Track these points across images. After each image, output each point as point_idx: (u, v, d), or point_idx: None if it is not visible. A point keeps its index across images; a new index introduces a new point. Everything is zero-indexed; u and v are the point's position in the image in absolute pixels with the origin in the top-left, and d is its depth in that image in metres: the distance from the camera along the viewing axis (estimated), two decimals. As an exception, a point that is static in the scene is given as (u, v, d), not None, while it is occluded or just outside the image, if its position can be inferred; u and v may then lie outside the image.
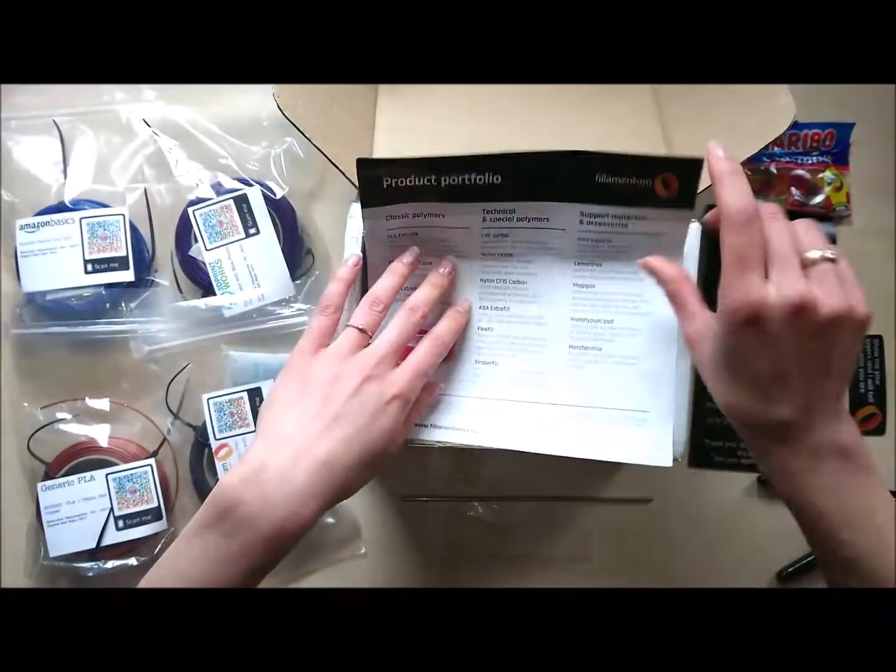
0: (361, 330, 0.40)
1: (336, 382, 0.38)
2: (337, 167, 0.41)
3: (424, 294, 0.42)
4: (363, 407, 0.37)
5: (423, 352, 0.41)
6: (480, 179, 0.40)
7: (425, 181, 0.40)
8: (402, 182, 0.40)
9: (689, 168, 0.39)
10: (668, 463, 0.43)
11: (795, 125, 0.59)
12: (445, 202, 0.41)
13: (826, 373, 0.33)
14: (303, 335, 0.40)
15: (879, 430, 0.60)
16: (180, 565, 0.35)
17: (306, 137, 0.39)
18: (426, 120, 0.48)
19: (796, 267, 0.33)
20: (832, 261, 0.33)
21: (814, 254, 0.33)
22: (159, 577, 0.36)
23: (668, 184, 0.40)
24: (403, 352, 0.41)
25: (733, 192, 0.33)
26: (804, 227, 0.35)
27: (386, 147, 0.44)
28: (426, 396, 0.43)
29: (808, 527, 0.35)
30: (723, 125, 0.45)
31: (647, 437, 0.44)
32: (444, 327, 0.42)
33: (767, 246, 0.33)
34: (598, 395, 0.44)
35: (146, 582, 0.36)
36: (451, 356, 0.45)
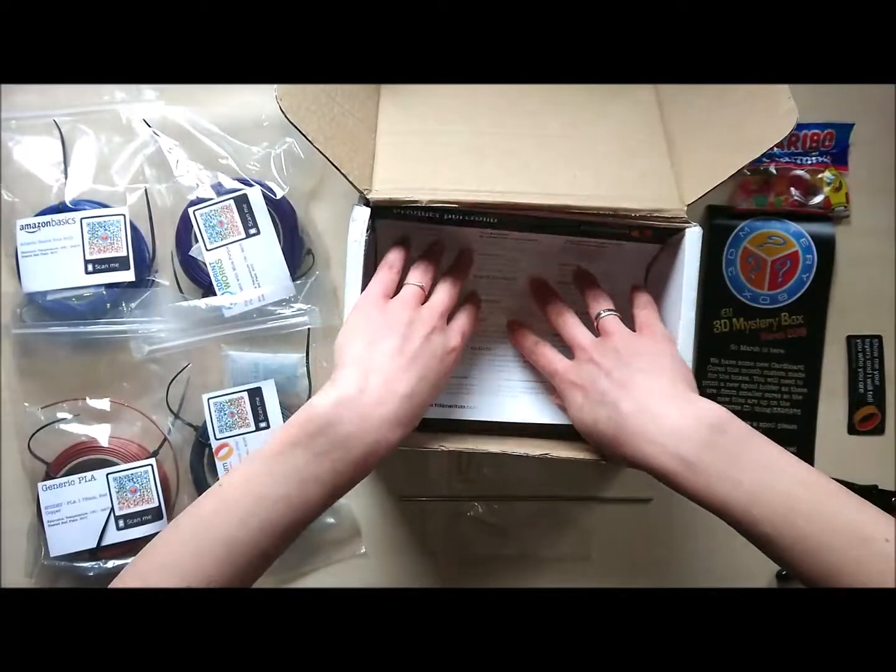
0: (421, 287, 0.45)
1: (412, 326, 0.41)
2: (339, 170, 0.42)
3: (460, 266, 0.49)
4: (434, 352, 0.42)
5: (467, 315, 0.47)
6: (478, 218, 0.46)
7: (429, 214, 0.46)
8: (407, 213, 0.45)
9: (664, 230, 0.46)
10: None
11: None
12: (444, 225, 0.48)
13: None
14: (370, 284, 0.44)
15: (879, 430, 0.60)
16: (256, 488, 0.36)
17: (309, 141, 0.39)
18: (428, 123, 0.49)
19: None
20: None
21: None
22: (231, 499, 0.36)
23: (643, 232, 0.48)
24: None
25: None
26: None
27: (388, 151, 0.46)
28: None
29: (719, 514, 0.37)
30: (725, 126, 0.46)
31: None
32: (474, 302, 0.49)
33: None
34: None
35: (210, 501, 0.36)
36: None
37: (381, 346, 0.40)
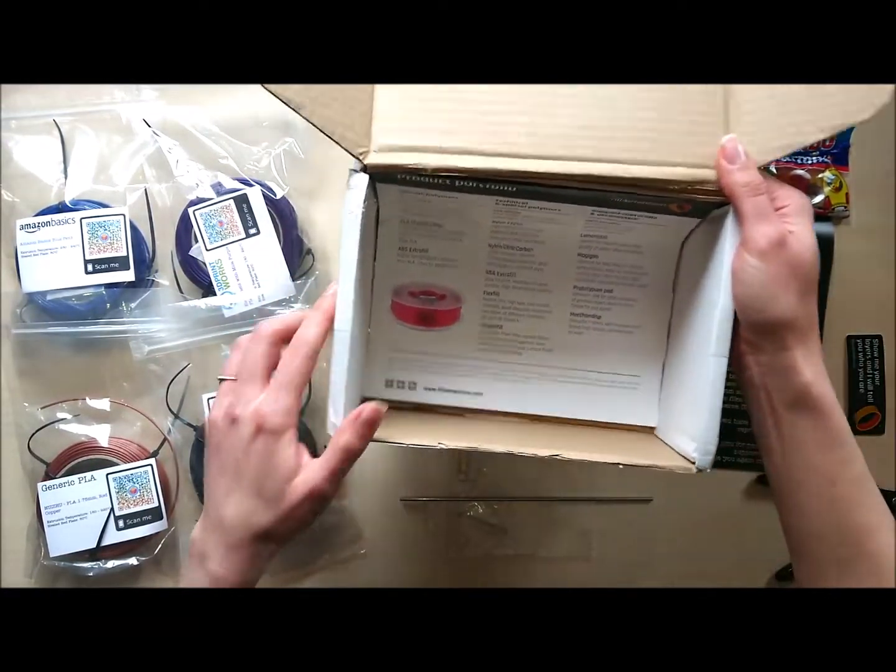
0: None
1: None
2: (329, 136, 0.36)
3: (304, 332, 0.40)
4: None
5: (284, 365, 0.39)
6: (494, 187, 0.40)
7: (438, 180, 0.39)
8: (415, 178, 0.39)
9: (706, 204, 0.39)
10: (653, 423, 0.48)
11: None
12: (458, 192, 0.41)
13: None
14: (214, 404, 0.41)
15: (879, 430, 0.60)
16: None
17: (289, 107, 0.35)
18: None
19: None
20: None
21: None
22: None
23: (682, 207, 0.41)
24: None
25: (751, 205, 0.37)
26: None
27: (390, 103, 0.39)
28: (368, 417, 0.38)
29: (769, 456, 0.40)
30: (802, 87, 0.38)
31: (637, 400, 0.48)
32: (303, 329, 0.40)
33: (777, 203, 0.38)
34: (595, 359, 0.48)
35: None
36: (457, 318, 0.48)
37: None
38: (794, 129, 0.38)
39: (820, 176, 0.58)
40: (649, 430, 0.48)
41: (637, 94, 0.38)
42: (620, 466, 0.39)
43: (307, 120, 0.36)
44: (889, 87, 0.36)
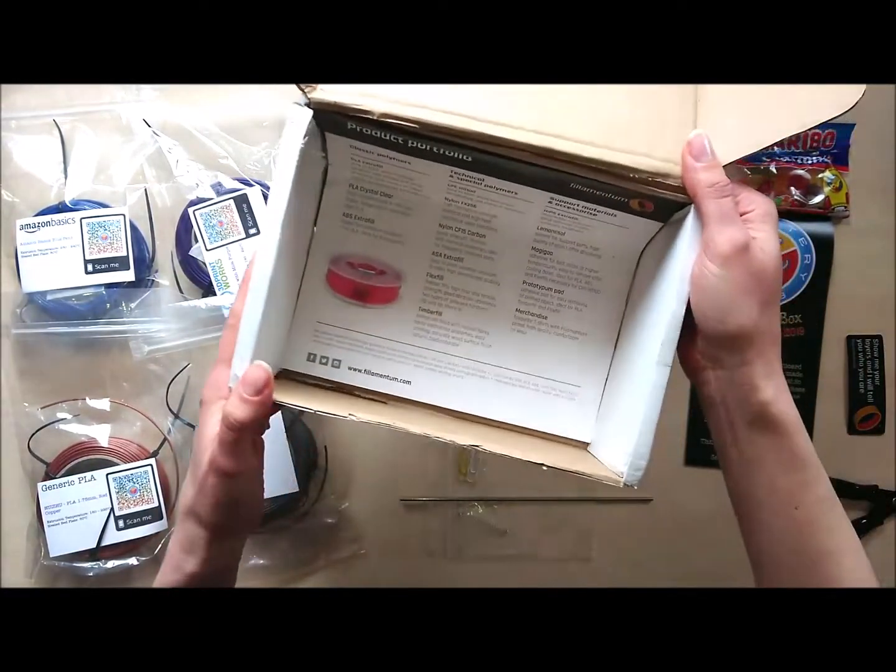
0: None
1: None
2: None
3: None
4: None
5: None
6: (449, 152, 0.37)
7: (390, 137, 0.37)
8: (366, 130, 0.37)
9: (668, 203, 0.38)
10: (588, 439, 0.45)
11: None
12: (411, 156, 0.39)
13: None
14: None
15: (879, 430, 0.60)
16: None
17: None
18: None
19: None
20: None
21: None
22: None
23: (643, 204, 0.39)
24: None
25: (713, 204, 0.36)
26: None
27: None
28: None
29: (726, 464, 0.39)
30: (773, 96, 0.37)
31: (574, 411, 0.45)
32: (234, 302, 0.39)
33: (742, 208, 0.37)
34: (535, 362, 0.45)
35: None
36: (394, 297, 0.44)
37: None
38: (764, 126, 0.36)
39: (820, 176, 0.58)
40: (583, 446, 0.45)
41: (607, 90, 0.37)
42: (544, 468, 0.37)
43: None
44: (860, 87, 0.35)
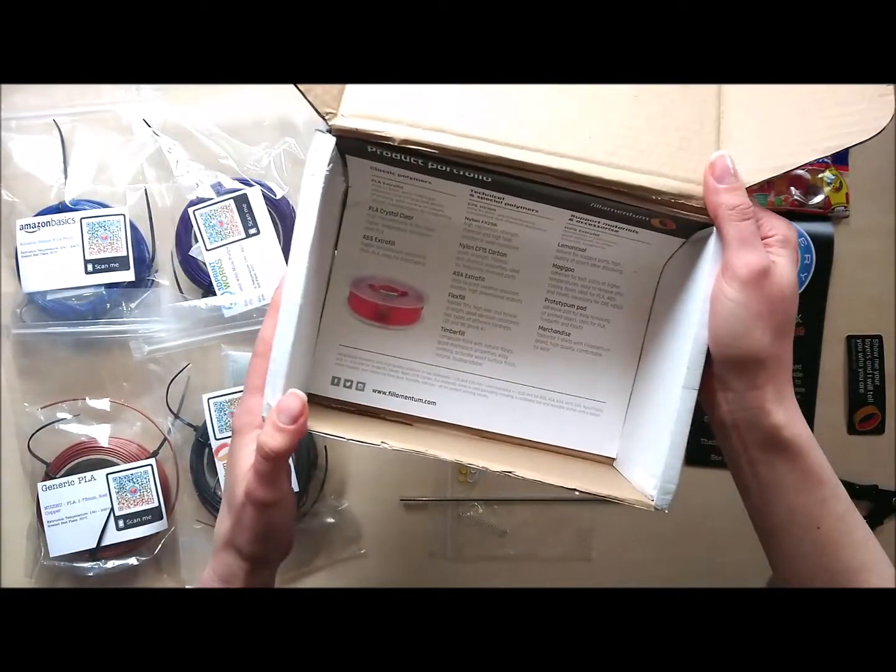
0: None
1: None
2: (296, 86, 0.35)
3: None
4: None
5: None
6: (469, 174, 0.37)
7: (410, 159, 0.37)
8: (386, 154, 0.37)
9: (691, 223, 0.37)
10: (613, 454, 0.45)
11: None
12: (431, 176, 0.39)
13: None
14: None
15: (879, 430, 0.60)
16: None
17: None
18: None
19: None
20: None
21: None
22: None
23: (664, 223, 0.39)
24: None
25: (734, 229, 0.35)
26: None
27: (365, 85, 0.37)
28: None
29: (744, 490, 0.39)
30: (797, 107, 0.37)
31: (599, 427, 0.45)
32: (262, 328, 0.38)
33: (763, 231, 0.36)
34: (559, 379, 0.45)
35: None
36: (416, 318, 0.44)
37: None
38: (787, 150, 0.36)
39: (820, 176, 0.58)
40: (608, 461, 0.45)
41: (628, 105, 0.37)
42: (577, 493, 0.37)
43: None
44: (891, 107, 0.34)
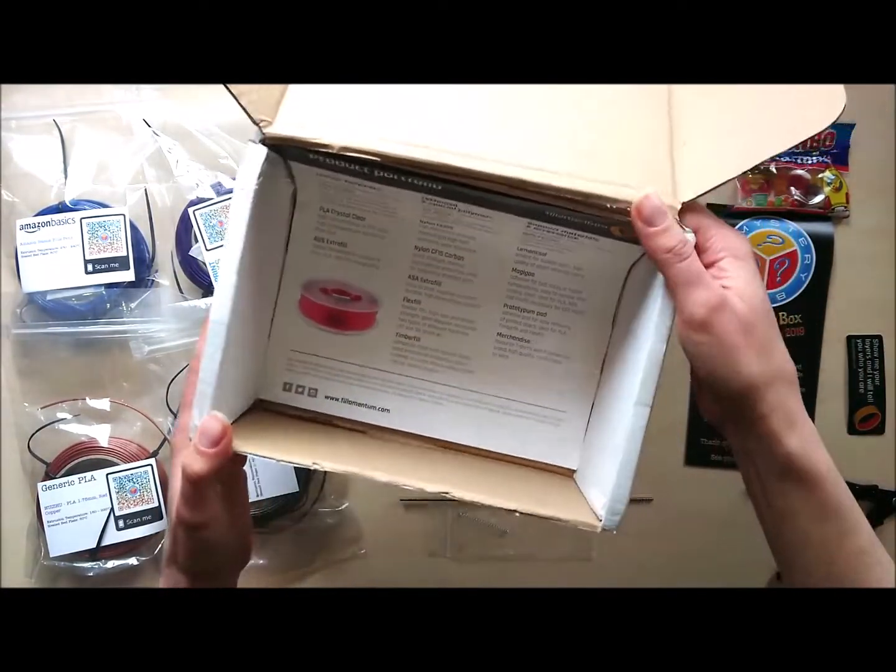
0: None
1: None
2: (230, 91, 0.33)
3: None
4: None
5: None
6: (417, 181, 0.36)
7: (354, 167, 0.35)
8: (329, 161, 0.35)
9: None
10: (574, 465, 0.43)
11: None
12: (378, 183, 0.37)
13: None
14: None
15: (879, 430, 0.60)
16: None
17: None
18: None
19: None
20: None
21: None
22: None
23: (624, 231, 0.37)
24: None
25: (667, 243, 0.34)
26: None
27: (304, 93, 0.35)
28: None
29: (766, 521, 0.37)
30: (744, 113, 0.36)
31: (558, 438, 0.43)
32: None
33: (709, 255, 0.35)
34: (518, 388, 0.43)
35: None
36: (371, 323, 0.43)
37: None
38: (742, 149, 0.35)
39: (820, 176, 0.58)
40: (568, 473, 0.43)
41: (578, 111, 0.36)
42: (517, 514, 0.35)
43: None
44: (842, 95, 0.33)
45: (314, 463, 0.34)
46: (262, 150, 0.34)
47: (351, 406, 0.43)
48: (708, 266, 0.35)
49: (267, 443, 0.36)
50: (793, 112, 0.35)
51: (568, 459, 0.43)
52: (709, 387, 0.35)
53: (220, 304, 0.34)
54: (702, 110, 0.37)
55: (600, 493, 0.37)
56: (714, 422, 0.37)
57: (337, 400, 0.43)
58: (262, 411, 0.42)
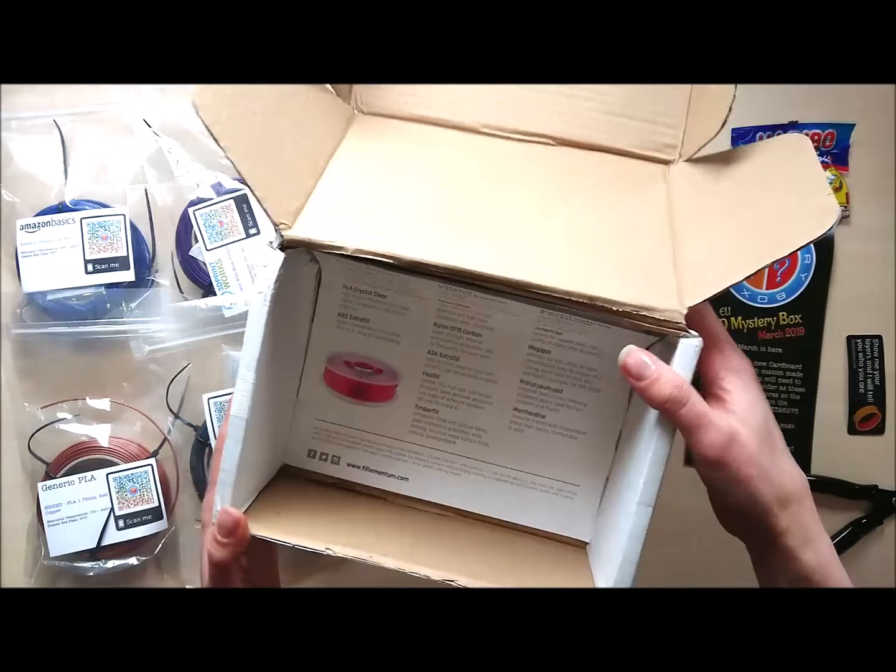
0: None
1: None
2: (253, 192, 0.35)
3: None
4: None
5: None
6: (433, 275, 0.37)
7: (377, 259, 0.37)
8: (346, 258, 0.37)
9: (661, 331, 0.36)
10: (587, 538, 0.44)
11: (795, 125, 0.59)
12: (398, 273, 0.39)
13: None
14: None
15: (879, 430, 0.60)
16: None
17: (226, 155, 0.33)
18: (390, 163, 0.43)
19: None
20: None
21: None
22: None
23: (635, 326, 0.37)
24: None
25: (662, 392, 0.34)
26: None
27: (323, 199, 0.38)
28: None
29: None
30: (743, 219, 0.38)
31: (572, 511, 0.44)
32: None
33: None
34: (533, 461, 0.44)
35: None
36: (391, 395, 0.44)
37: None
38: (739, 257, 0.35)
39: (820, 176, 0.58)
40: (581, 545, 0.44)
41: (582, 216, 0.39)
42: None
43: (240, 174, 0.34)
44: (834, 210, 0.33)
45: (327, 549, 0.36)
46: (280, 256, 0.35)
47: (371, 474, 0.45)
48: (709, 384, 0.36)
49: (284, 520, 0.39)
50: (791, 221, 0.35)
51: (580, 532, 0.44)
52: (727, 510, 0.37)
53: (240, 400, 0.36)
54: (701, 218, 0.39)
55: (605, 577, 0.38)
56: (733, 533, 0.39)
57: (358, 467, 0.45)
58: (287, 477, 0.45)
